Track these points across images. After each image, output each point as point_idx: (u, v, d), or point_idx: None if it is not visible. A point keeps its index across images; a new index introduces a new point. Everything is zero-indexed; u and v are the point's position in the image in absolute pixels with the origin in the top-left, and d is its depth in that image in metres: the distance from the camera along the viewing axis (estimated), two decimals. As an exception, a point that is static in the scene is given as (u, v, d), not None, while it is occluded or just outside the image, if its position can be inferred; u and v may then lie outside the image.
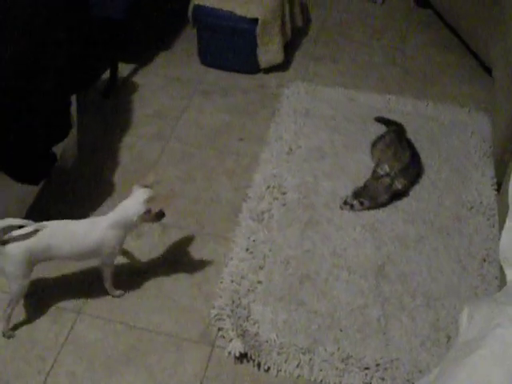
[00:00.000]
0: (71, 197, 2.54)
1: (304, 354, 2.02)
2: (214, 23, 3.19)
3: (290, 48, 3.44)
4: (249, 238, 2.38)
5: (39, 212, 2.34)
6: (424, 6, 3.85)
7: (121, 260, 2.27)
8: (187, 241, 2.40)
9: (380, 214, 2.52)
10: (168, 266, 2.31)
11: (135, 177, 2.47)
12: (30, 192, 2.34)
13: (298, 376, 1.99)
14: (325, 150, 2.80)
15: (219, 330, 2.09)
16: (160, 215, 2.05)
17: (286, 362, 2.01)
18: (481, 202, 2.56)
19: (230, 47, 3.22)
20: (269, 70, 3.30)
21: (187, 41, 3.51)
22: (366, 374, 1.98)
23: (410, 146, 2.72)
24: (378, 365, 2.01)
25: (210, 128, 2.95)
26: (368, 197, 2.50)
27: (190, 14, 3.26)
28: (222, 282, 2.23)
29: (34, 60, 2.11)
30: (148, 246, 2.37)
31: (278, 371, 2.00)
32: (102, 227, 2.01)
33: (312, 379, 1.98)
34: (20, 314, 2.11)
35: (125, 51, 3.26)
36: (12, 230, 1.92)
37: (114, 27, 3.03)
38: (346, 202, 2.51)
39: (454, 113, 3.05)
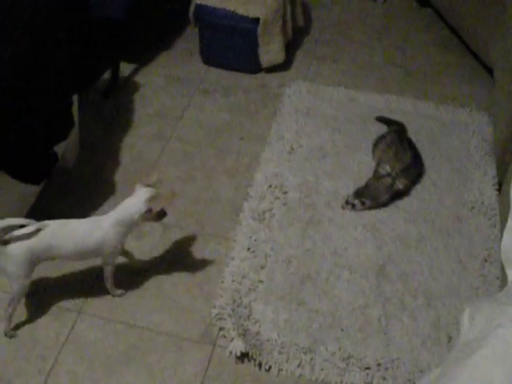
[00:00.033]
0: (72, 196, 2.54)
1: (305, 353, 2.03)
2: (216, 22, 3.18)
3: (291, 48, 3.44)
4: (250, 237, 2.38)
5: (40, 211, 2.34)
6: (424, 5, 3.85)
7: (121, 260, 2.26)
8: (188, 240, 2.40)
9: (381, 213, 2.52)
10: (169, 265, 2.31)
11: (136, 176, 2.47)
12: (31, 191, 2.34)
13: (300, 375, 1.99)
14: (326, 149, 2.80)
15: (220, 329, 2.09)
16: (161, 214, 2.05)
17: (287, 361, 2.01)
18: (482, 202, 2.56)
19: (231, 46, 3.22)
20: (270, 69, 3.30)
21: (188, 40, 3.51)
22: (367, 374, 1.98)
23: (411, 145, 2.72)
24: (379, 364, 2.01)
25: (211, 127, 2.95)
26: (369, 196, 2.50)
27: (191, 13, 3.26)
28: (223, 282, 2.23)
29: (34, 60, 2.11)
30: (149, 245, 2.37)
31: (279, 371, 2.00)
32: (103, 226, 2.01)
33: (313, 379, 1.98)
34: (21, 313, 2.11)
35: (125, 51, 3.26)
36: (13, 229, 1.92)
37: (115, 27, 3.03)
38: (347, 202, 2.51)
39: (454, 113, 3.05)
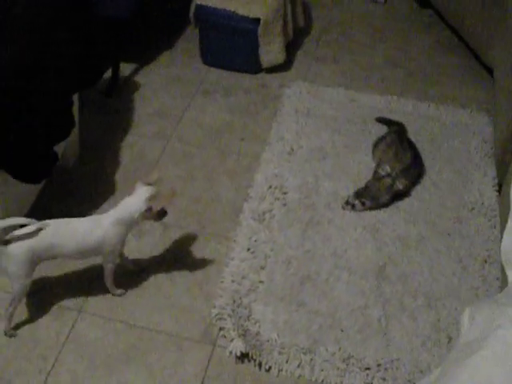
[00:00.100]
0: (72, 195, 2.54)
1: (305, 353, 2.03)
2: (216, 23, 3.19)
3: (291, 48, 3.44)
4: (250, 237, 2.38)
5: (41, 211, 2.35)
6: (425, 6, 3.85)
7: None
8: (188, 240, 2.41)
9: (381, 214, 2.52)
10: (169, 265, 2.31)
11: (136, 176, 2.48)
12: (31, 191, 2.34)
13: (299, 376, 1.99)
14: (326, 150, 2.80)
15: (220, 329, 2.09)
16: (162, 214, 2.05)
17: (287, 361, 2.01)
18: (482, 203, 2.56)
19: (231, 47, 3.22)
20: (270, 69, 3.30)
21: (189, 40, 3.51)
22: (367, 375, 1.99)
23: (411, 146, 2.72)
24: (378, 365, 2.01)
25: (212, 128, 2.95)
26: (369, 197, 2.50)
27: (191, 13, 3.26)
28: (222, 282, 2.23)
29: (36, 60, 2.11)
30: (149, 245, 2.37)
31: (279, 371, 2.00)
32: (103, 225, 2.01)
33: (313, 379, 1.98)
34: (21, 313, 2.11)
35: (127, 50, 3.26)
36: (14, 229, 1.92)
37: (116, 26, 3.03)
38: (347, 202, 2.51)
39: (455, 113, 3.05)
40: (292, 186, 2.61)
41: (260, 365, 2.01)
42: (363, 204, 2.50)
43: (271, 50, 3.22)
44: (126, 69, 3.25)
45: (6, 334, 2.04)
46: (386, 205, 2.54)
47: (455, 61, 3.46)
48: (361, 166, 2.72)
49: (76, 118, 2.48)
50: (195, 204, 2.55)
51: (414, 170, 2.65)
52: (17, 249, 1.90)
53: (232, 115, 3.02)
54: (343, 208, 2.51)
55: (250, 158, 2.77)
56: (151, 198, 2.00)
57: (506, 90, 2.71)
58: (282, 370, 2.00)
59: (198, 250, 2.37)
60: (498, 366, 1.25)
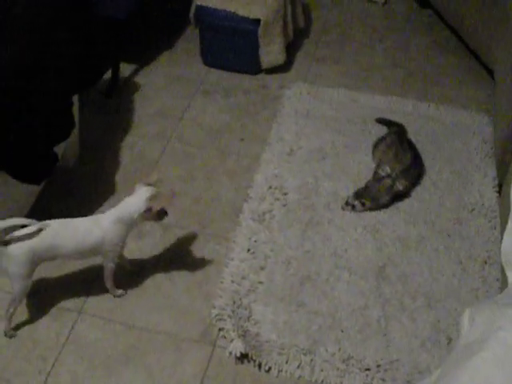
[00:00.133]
0: (73, 196, 2.54)
1: (305, 354, 2.03)
2: (216, 23, 3.18)
3: (291, 49, 3.44)
4: (250, 238, 2.38)
5: (41, 211, 2.35)
6: (425, 7, 3.85)
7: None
8: (188, 241, 2.41)
9: (381, 215, 2.52)
10: (168, 265, 2.31)
11: (136, 176, 2.48)
12: (31, 191, 2.34)
13: (299, 376, 1.99)
14: (326, 150, 2.80)
15: (220, 330, 2.09)
16: (162, 214, 2.05)
17: (286, 362, 2.01)
18: (482, 204, 2.56)
19: (231, 47, 3.22)
20: (270, 70, 3.30)
21: (189, 41, 3.51)
22: (367, 375, 1.99)
23: (411, 147, 2.72)
24: (378, 366, 2.01)
25: (212, 128, 2.95)
26: (369, 198, 2.50)
27: (192, 14, 3.26)
28: (222, 282, 2.23)
29: (36, 60, 2.11)
30: (149, 245, 2.37)
31: (278, 372, 2.00)
32: (103, 224, 2.01)
33: (313, 380, 1.98)
34: (21, 313, 2.11)
35: (127, 51, 3.26)
36: (14, 229, 1.92)
37: (116, 27, 3.03)
38: (347, 203, 2.51)
39: (455, 114, 3.05)
40: (292, 187, 2.61)
41: (260, 365, 2.01)
42: (363, 204, 2.50)
43: (271, 51, 3.22)
44: (126, 69, 3.25)
45: (5, 335, 2.05)
46: (385, 205, 2.54)
47: (455, 61, 3.45)
48: (361, 167, 2.72)
49: (76, 119, 2.47)
50: (195, 204, 2.55)
51: (414, 170, 2.65)
52: (17, 249, 1.90)
53: (232, 116, 3.02)
54: (343, 209, 2.51)
55: (250, 158, 2.77)
56: (151, 199, 2.00)
57: (506, 90, 2.71)
58: (281, 370, 2.00)
59: (198, 251, 2.37)
60: (499, 367, 1.24)
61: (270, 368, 2.01)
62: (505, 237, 1.94)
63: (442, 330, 2.12)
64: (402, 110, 3.07)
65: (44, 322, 2.11)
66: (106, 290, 2.18)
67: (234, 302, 2.15)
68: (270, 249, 2.35)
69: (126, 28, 3.12)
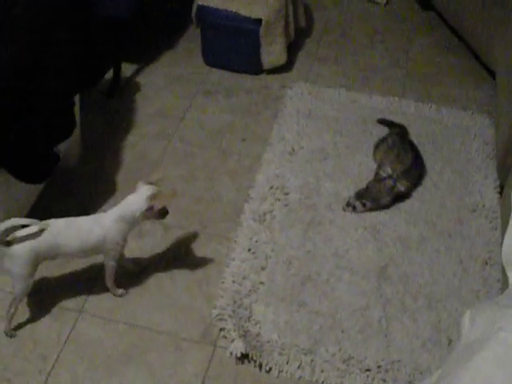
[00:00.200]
0: (74, 195, 2.54)
1: (305, 354, 2.03)
2: (218, 23, 3.18)
3: (293, 49, 3.44)
4: (251, 238, 2.38)
5: (42, 211, 2.35)
6: (427, 9, 3.85)
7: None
8: (189, 240, 2.41)
9: (382, 215, 2.52)
10: (169, 265, 2.31)
11: (137, 176, 2.48)
12: (32, 191, 2.34)
13: (300, 377, 1.99)
14: (327, 151, 2.80)
15: (221, 330, 2.09)
16: (163, 213, 2.05)
17: (287, 362, 2.01)
18: (483, 205, 2.56)
19: (233, 47, 3.22)
20: (272, 70, 3.30)
21: (190, 40, 3.51)
22: (368, 376, 1.98)
23: (412, 148, 2.72)
24: (379, 366, 2.01)
25: (213, 128, 2.95)
26: (370, 198, 2.50)
27: (193, 13, 3.26)
28: (223, 282, 2.23)
29: (36, 60, 2.10)
30: (150, 245, 2.37)
31: (279, 372, 2.00)
32: (105, 223, 2.02)
33: (313, 380, 1.98)
34: (22, 313, 2.10)
35: (128, 51, 3.26)
36: (15, 229, 1.92)
37: (117, 26, 3.03)
38: (348, 204, 2.51)
39: (456, 115, 3.05)
40: (293, 187, 2.61)
41: (260, 366, 2.01)
42: (364, 205, 2.50)
43: (273, 51, 3.22)
44: (127, 69, 3.25)
45: (6, 335, 2.05)
46: (387, 206, 2.54)
47: (456, 62, 3.45)
48: (362, 167, 2.72)
49: (77, 118, 2.48)
50: (196, 204, 2.55)
51: (415, 171, 2.65)
52: (20, 249, 1.90)
53: (233, 116, 3.02)
54: (344, 210, 2.51)
55: (251, 158, 2.77)
56: (153, 197, 2.00)
57: (508, 91, 2.71)
58: (282, 370, 2.00)
59: (199, 250, 2.37)
60: (499, 368, 1.24)
61: (270, 368, 2.01)
62: (506, 237, 1.93)
63: (442, 331, 2.12)
64: (403, 110, 3.07)
65: (45, 321, 2.11)
66: (107, 290, 2.18)
67: (235, 302, 2.15)
68: (271, 249, 2.35)
69: (127, 28, 3.12)
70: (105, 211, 2.09)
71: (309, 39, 3.61)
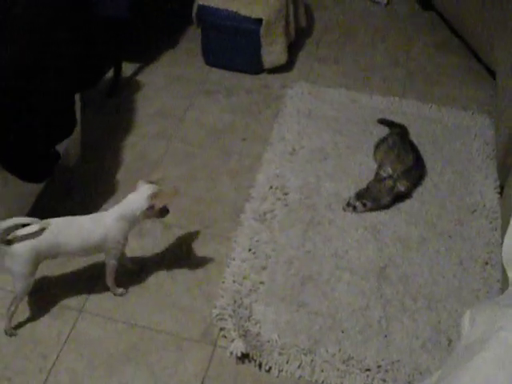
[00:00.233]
0: (74, 195, 2.54)
1: (305, 354, 2.03)
2: (218, 23, 3.19)
3: (293, 49, 3.44)
4: (251, 238, 2.38)
5: (42, 210, 2.35)
6: (428, 9, 3.85)
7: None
8: (189, 240, 2.41)
9: (382, 215, 2.52)
10: (170, 265, 2.31)
11: (138, 175, 2.48)
12: (32, 190, 2.34)
13: (300, 377, 1.99)
14: (328, 151, 2.80)
15: (221, 329, 2.09)
16: (164, 211, 2.05)
17: (287, 362, 2.01)
18: (484, 205, 2.56)
19: (233, 47, 3.22)
20: (272, 70, 3.30)
21: (191, 40, 3.51)
22: (367, 376, 1.98)
23: (412, 148, 2.72)
24: (379, 366, 2.01)
25: (213, 128, 2.95)
26: (371, 198, 2.50)
27: (194, 13, 3.26)
28: (223, 282, 2.23)
29: (36, 60, 2.10)
30: (150, 244, 2.37)
31: (279, 372, 2.00)
32: (106, 221, 2.02)
33: (313, 380, 1.98)
34: (22, 312, 2.11)
35: (128, 50, 3.26)
36: (16, 228, 1.92)
37: (118, 26, 3.03)
38: (348, 204, 2.51)
39: (457, 115, 3.05)
40: (293, 187, 2.61)
41: (260, 365, 2.01)
42: (364, 205, 2.50)
43: (273, 51, 3.22)
44: (127, 68, 3.25)
45: (6, 333, 2.04)
46: (387, 206, 2.54)
47: (456, 62, 3.46)
48: (362, 167, 2.72)
49: (78, 118, 2.48)
50: (197, 204, 2.55)
51: (416, 171, 2.65)
52: (21, 248, 1.90)
53: (234, 115, 3.02)
54: (344, 210, 2.51)
55: (252, 158, 2.77)
56: (153, 196, 2.00)
57: (509, 91, 2.71)
58: (282, 370, 2.00)
59: (200, 250, 2.37)
60: (500, 368, 1.24)
61: (270, 368, 2.01)
62: (506, 238, 1.93)
63: (442, 331, 2.12)
64: (404, 110, 3.07)
65: (45, 320, 2.11)
66: (108, 289, 2.18)
67: (235, 302, 2.16)
68: (272, 249, 2.36)
69: (127, 27, 3.11)
70: (105, 210, 2.09)
71: (309, 39, 3.61)
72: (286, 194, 2.57)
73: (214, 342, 2.08)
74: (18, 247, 1.89)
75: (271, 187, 2.59)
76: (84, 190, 2.57)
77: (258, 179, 2.64)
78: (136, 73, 3.27)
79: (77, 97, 2.47)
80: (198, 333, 2.10)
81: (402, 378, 1.99)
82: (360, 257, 2.35)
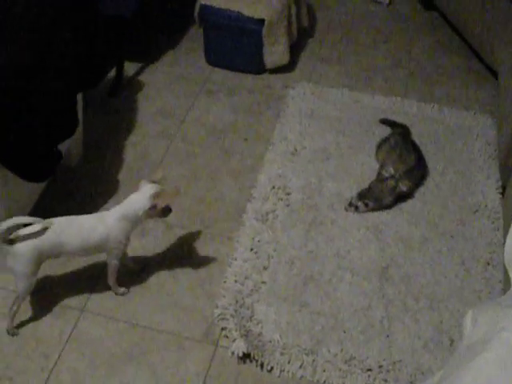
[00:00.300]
0: (76, 194, 2.55)
1: (307, 354, 2.03)
2: (220, 23, 3.19)
3: (295, 49, 3.44)
4: (253, 238, 2.38)
5: (44, 209, 2.35)
6: (430, 9, 3.85)
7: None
8: (191, 240, 2.41)
9: (384, 215, 2.52)
10: (171, 265, 2.31)
11: (139, 175, 2.49)
12: (34, 190, 2.35)
13: (301, 377, 1.99)
14: (330, 151, 2.80)
15: (222, 329, 2.09)
16: (166, 211, 2.05)
17: (289, 362, 2.01)
18: (485, 205, 2.56)
19: (236, 47, 3.22)
20: (274, 70, 3.30)
21: (193, 40, 3.51)
22: (369, 376, 1.98)
23: (414, 148, 2.72)
24: (380, 366, 2.01)
25: (215, 127, 2.95)
26: (373, 198, 2.50)
27: (196, 13, 3.27)
28: (225, 282, 2.23)
29: (36, 59, 2.10)
30: (152, 244, 2.38)
31: (280, 372, 2.00)
32: (108, 221, 2.02)
33: (315, 380, 1.98)
34: (24, 311, 2.11)
35: (130, 50, 3.26)
36: (17, 228, 1.92)
37: (120, 26, 3.03)
38: (350, 204, 2.51)
39: (459, 115, 3.05)
40: (295, 187, 2.61)
41: (262, 365, 2.01)
42: (366, 205, 2.50)
43: (275, 51, 3.23)
44: (129, 68, 3.26)
45: (8, 333, 2.05)
46: (389, 206, 2.54)
47: (458, 62, 3.46)
48: (364, 167, 2.72)
49: (80, 117, 2.48)
50: (198, 204, 2.55)
51: (418, 171, 2.65)
52: (23, 248, 1.90)
53: (236, 115, 3.02)
54: (346, 210, 2.51)
55: (254, 158, 2.77)
56: (156, 196, 2.00)
57: (511, 91, 2.71)
58: (283, 370, 2.00)
59: (201, 250, 2.37)
60: (502, 368, 1.24)
61: (272, 368, 2.01)
62: (508, 238, 1.93)
63: (444, 331, 2.12)
64: (406, 111, 3.07)
65: (47, 319, 2.11)
66: (109, 288, 2.18)
67: (237, 302, 2.15)
68: (273, 249, 2.35)
69: (127, 27, 3.12)
70: (107, 210, 2.09)
71: (311, 39, 3.61)
72: (288, 194, 2.57)
73: (216, 341, 2.08)
74: (20, 247, 1.89)
75: (273, 187, 2.59)
76: (86, 190, 2.57)
77: (259, 179, 2.64)
78: (138, 72, 3.27)
79: (79, 97, 2.48)
80: (199, 332, 2.10)
81: (403, 378, 1.98)
82: (362, 257, 2.35)
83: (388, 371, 1.99)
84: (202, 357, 2.04)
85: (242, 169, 2.72)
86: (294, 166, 2.71)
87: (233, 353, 2.02)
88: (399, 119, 2.96)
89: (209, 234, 2.43)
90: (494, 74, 3.17)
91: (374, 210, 2.52)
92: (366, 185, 2.57)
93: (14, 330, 2.05)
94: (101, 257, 2.15)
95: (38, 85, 2.09)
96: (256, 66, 3.28)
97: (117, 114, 3.00)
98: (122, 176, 2.65)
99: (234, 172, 2.71)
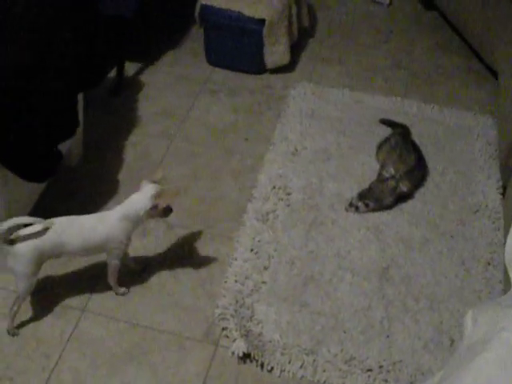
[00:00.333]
0: (76, 194, 2.55)
1: (307, 354, 2.03)
2: (221, 23, 3.19)
3: (296, 49, 3.44)
4: (253, 238, 2.38)
5: (44, 209, 2.34)
6: (430, 9, 3.85)
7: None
8: (192, 240, 2.41)
9: (385, 216, 2.52)
10: (172, 264, 2.31)
11: (140, 175, 2.48)
12: (34, 190, 2.35)
13: (302, 377, 1.99)
14: (330, 151, 2.80)
15: (223, 329, 2.09)
16: (168, 211, 2.05)
17: (289, 362, 2.01)
18: (486, 206, 2.56)
19: (236, 47, 3.22)
20: (275, 70, 3.30)
21: (194, 40, 3.51)
22: (369, 376, 1.98)
23: (415, 148, 2.72)
24: (381, 367, 2.01)
25: (216, 127, 2.95)
26: (373, 199, 2.50)
27: (196, 13, 3.27)
28: (226, 282, 2.24)
29: (36, 59, 2.10)
30: (153, 244, 2.38)
31: (281, 372, 2.00)
32: (109, 221, 2.02)
33: (315, 380, 1.98)
34: (25, 311, 2.11)
35: (131, 50, 3.26)
36: (18, 228, 1.92)
37: (121, 25, 3.03)
38: (351, 204, 2.51)
39: (459, 116, 3.05)
40: (296, 187, 2.61)
41: (262, 365, 2.01)
42: (367, 206, 2.50)
43: (276, 51, 3.23)
44: (130, 68, 3.26)
45: (9, 333, 2.05)
46: (389, 206, 2.54)
47: (459, 62, 3.46)
48: (365, 168, 2.72)
49: (80, 117, 2.48)
50: (199, 204, 2.56)
51: (418, 172, 2.65)
52: (23, 248, 1.90)
53: (236, 115, 3.02)
54: (346, 210, 2.51)
55: (254, 158, 2.78)
56: (157, 196, 2.00)
57: (511, 91, 2.71)
58: (284, 370, 2.00)
59: (202, 250, 2.37)
60: (502, 368, 1.24)
61: (272, 368, 2.01)
62: (509, 238, 1.93)
63: (444, 332, 2.12)
64: (406, 111, 3.07)
65: (47, 319, 2.11)
66: (110, 288, 2.18)
67: (237, 302, 2.16)
68: (274, 249, 2.36)
69: (128, 27, 3.12)
70: (108, 210, 2.09)
71: (312, 39, 3.61)
72: (288, 194, 2.57)
73: (216, 341, 2.08)
74: (20, 247, 1.90)
75: (274, 187, 2.59)
76: (86, 190, 2.57)
77: (260, 179, 2.64)
78: (138, 72, 3.27)
79: (80, 97, 2.48)
80: (200, 332, 2.11)
81: (403, 378, 1.99)
82: (362, 257, 2.35)
83: (388, 371, 2.00)
84: (202, 357, 2.04)
85: (243, 169, 2.72)
86: (295, 166, 2.71)
87: (233, 353, 2.03)
88: (399, 119, 2.96)
89: (209, 233, 2.43)
90: (494, 74, 3.17)
91: (374, 210, 2.52)
92: (366, 185, 2.57)
93: (15, 330, 2.05)
94: (101, 257, 2.15)
95: (38, 85, 2.09)
96: (257, 66, 3.28)
97: (117, 114, 3.00)
98: (122, 176, 2.65)
99: (234, 172, 2.71)
